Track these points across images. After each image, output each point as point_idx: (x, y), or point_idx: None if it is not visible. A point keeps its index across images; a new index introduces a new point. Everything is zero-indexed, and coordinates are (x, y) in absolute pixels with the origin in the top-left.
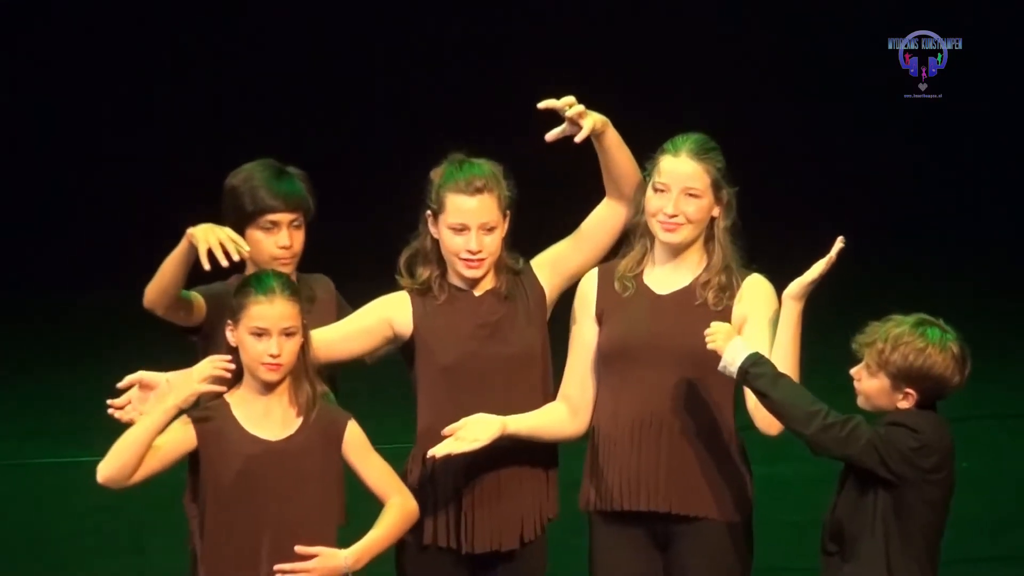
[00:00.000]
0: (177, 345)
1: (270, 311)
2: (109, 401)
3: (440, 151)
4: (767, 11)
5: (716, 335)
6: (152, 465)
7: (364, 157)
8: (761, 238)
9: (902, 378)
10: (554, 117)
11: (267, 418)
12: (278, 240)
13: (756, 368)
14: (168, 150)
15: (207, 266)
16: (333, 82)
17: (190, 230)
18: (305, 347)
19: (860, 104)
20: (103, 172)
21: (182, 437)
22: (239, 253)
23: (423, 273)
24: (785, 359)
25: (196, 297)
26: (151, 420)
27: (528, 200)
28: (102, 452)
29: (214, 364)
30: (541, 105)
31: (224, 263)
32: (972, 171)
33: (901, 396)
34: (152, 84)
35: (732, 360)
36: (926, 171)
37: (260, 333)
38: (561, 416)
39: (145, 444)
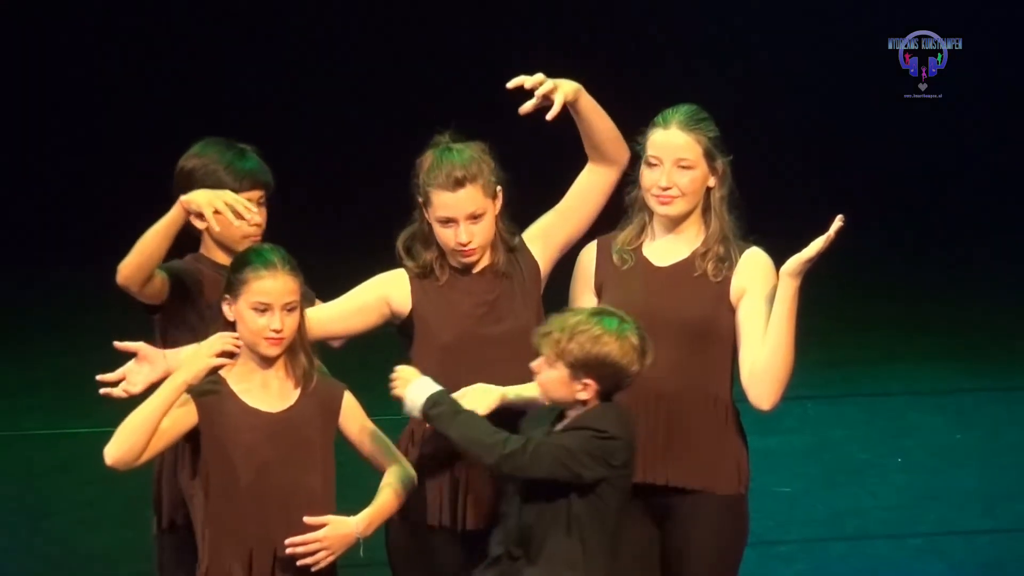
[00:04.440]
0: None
1: (273, 286)
2: (99, 377)
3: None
4: (767, 11)
5: (398, 380)
6: (157, 445)
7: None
8: (760, 240)
9: (580, 367)
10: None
11: (265, 391)
12: (252, 217)
13: (434, 409)
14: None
15: (216, 228)
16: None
17: (184, 197)
18: (301, 320)
19: (860, 104)
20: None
21: (184, 414)
22: (246, 215)
23: (425, 256)
24: (779, 336)
25: (162, 274)
26: (160, 399)
27: (529, 167)
28: (96, 424)
29: (224, 339)
30: (510, 85)
31: (236, 223)
32: (972, 171)
33: (580, 387)
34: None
35: (413, 405)
36: (926, 171)
37: (263, 308)
38: None
39: (155, 424)
